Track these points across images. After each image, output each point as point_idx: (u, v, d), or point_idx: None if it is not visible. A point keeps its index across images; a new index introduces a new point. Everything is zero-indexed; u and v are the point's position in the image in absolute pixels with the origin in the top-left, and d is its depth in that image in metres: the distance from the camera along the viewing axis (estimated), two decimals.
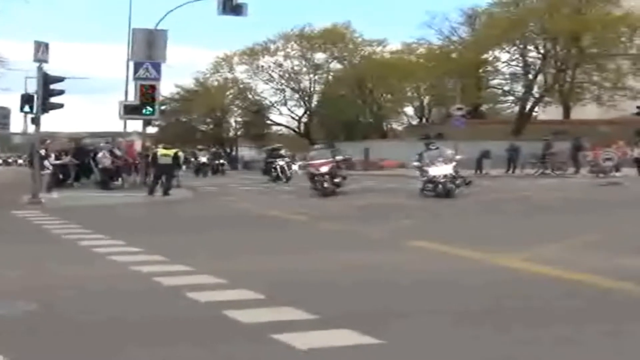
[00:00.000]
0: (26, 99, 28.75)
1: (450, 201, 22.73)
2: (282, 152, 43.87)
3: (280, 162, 39.87)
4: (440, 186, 23.98)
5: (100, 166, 32.06)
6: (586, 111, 68.62)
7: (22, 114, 35.95)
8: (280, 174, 39.07)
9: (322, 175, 27.09)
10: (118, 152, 33.05)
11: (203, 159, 55.05)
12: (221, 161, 58.14)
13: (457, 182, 24.52)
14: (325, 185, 26.82)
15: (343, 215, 19.60)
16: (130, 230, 16.10)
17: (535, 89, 70.07)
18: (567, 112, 71.28)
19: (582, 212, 19.91)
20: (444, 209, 20.74)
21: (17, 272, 10.51)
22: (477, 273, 10.17)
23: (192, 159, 56.24)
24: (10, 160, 71.40)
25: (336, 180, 27.45)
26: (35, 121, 26.35)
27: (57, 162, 30.37)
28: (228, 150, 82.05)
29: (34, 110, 26.28)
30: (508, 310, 7.90)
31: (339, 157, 28.71)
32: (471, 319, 7.54)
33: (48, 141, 30.87)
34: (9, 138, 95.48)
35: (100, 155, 32.39)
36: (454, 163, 24.81)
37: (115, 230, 15.38)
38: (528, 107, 70.19)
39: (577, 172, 40.49)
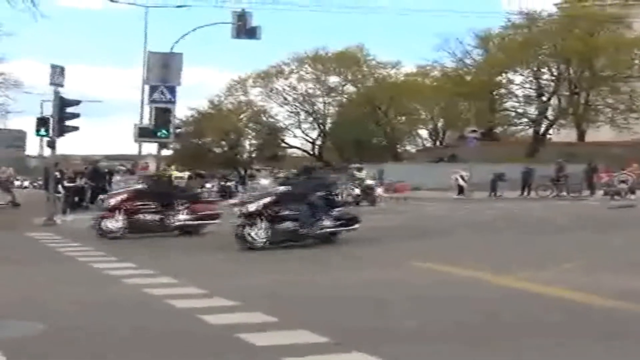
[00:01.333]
0: (42, 122, 28.98)
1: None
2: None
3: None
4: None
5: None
6: (600, 133, 68.44)
7: (38, 137, 36.20)
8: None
9: (112, 210, 20.18)
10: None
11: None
12: None
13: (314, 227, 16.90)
14: (107, 225, 19.91)
15: None
16: (143, 252, 16.14)
17: (549, 112, 69.95)
18: (581, 134, 71.10)
19: (591, 232, 19.78)
20: None
21: (29, 293, 10.56)
22: (478, 293, 10.17)
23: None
24: (37, 184, 70.00)
25: (137, 216, 20.28)
26: (51, 144, 26.52)
27: (71, 184, 30.50)
28: (243, 172, 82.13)
29: (50, 133, 26.46)
30: (508, 328, 7.91)
31: (137, 186, 21.11)
32: (480, 337, 7.55)
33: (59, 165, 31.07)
34: (24, 161, 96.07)
35: (115, 179, 32.44)
36: (267, 199, 16.90)
37: (128, 253, 15.44)
38: (542, 129, 70.06)
39: (592, 194, 40.35)
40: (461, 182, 44.76)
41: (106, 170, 36.43)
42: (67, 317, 8.71)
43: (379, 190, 37.47)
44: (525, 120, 73.38)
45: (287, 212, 16.85)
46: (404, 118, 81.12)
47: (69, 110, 25.89)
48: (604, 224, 22.55)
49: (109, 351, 7.24)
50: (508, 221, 24.58)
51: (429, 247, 16.83)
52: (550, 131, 71.84)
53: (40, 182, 44.85)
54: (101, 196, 23.25)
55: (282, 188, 17.44)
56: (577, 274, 11.86)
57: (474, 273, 11.82)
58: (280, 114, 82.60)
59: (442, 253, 15.14)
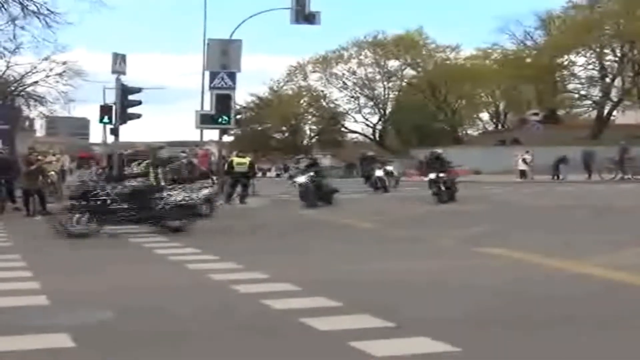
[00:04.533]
0: (105, 110, 29.31)
1: None
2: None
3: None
4: None
5: (176, 176, 32.32)
6: None
7: (102, 124, 36.68)
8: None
9: None
10: (195, 161, 33.33)
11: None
12: None
13: None
14: None
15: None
16: (206, 238, 16.25)
17: (613, 93, 68.89)
18: None
19: None
20: None
21: (94, 279, 10.70)
22: (550, 280, 10.06)
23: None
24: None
25: None
26: (114, 132, 26.83)
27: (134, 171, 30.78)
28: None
29: (113, 121, 26.76)
30: (584, 319, 7.79)
31: None
32: (546, 327, 7.46)
33: (125, 151, 31.49)
34: (88, 148, 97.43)
35: (177, 165, 32.63)
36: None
37: (190, 238, 15.56)
38: (606, 111, 69.06)
39: None
40: (522, 165, 44.30)
41: (168, 156, 36.73)
42: (135, 305, 8.80)
43: None
44: (589, 102, 72.42)
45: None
46: (464, 101, 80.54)
47: (131, 97, 26.14)
48: None
49: (173, 337, 7.31)
50: (574, 205, 24.31)
51: (492, 231, 16.72)
52: (615, 113, 70.79)
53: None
54: None
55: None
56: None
57: (543, 259, 11.71)
58: (340, 99, 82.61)
59: (506, 238, 15.02)
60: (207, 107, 34.66)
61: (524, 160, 44.37)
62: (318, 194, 25.84)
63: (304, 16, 34.81)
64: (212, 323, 7.84)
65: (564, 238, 14.78)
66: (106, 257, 13.56)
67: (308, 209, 24.61)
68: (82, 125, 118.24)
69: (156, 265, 12.20)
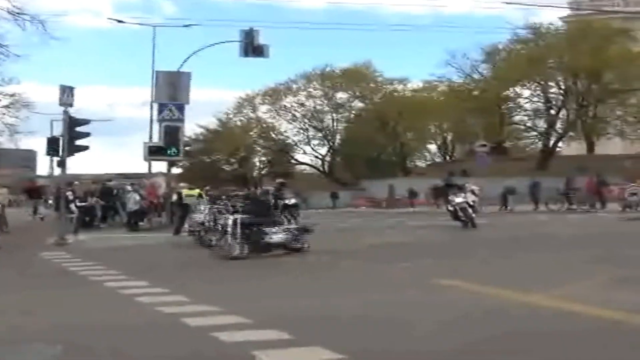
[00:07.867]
0: (52, 142, 29.06)
1: None
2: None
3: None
4: None
5: (128, 209, 32.03)
6: (610, 146, 68.41)
7: (48, 156, 36.36)
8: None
9: None
10: (142, 193, 33.11)
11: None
12: None
13: None
14: None
15: None
16: (156, 271, 16.14)
17: (558, 125, 69.94)
18: (590, 147, 71.07)
19: (608, 246, 19.70)
20: None
21: (42, 314, 10.56)
22: (507, 312, 10.11)
23: None
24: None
25: None
26: (61, 164, 26.58)
27: (83, 204, 30.51)
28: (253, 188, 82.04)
29: (60, 153, 26.52)
30: (544, 351, 7.86)
31: None
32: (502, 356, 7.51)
33: (76, 183, 31.13)
34: (34, 181, 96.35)
35: (130, 198, 32.35)
36: None
37: (141, 272, 15.42)
38: (551, 142, 70.04)
39: (603, 207, 40.19)
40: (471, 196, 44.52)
41: (115, 189, 36.43)
42: (84, 340, 8.69)
43: None
44: (535, 133, 73.42)
45: None
46: (412, 133, 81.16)
47: (79, 129, 25.95)
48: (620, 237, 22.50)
49: None
50: (523, 236, 24.53)
51: (448, 264, 16.78)
52: (560, 144, 71.88)
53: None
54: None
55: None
56: (601, 289, 11.82)
57: (498, 291, 11.75)
58: (289, 130, 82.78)
59: (461, 270, 15.07)
60: (156, 138, 34.56)
61: (472, 192, 44.61)
62: None
63: (253, 49, 34.98)
64: (163, 358, 7.77)
65: (522, 270, 14.90)
66: (54, 291, 13.39)
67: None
68: (28, 158, 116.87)
69: (106, 299, 12.07)
